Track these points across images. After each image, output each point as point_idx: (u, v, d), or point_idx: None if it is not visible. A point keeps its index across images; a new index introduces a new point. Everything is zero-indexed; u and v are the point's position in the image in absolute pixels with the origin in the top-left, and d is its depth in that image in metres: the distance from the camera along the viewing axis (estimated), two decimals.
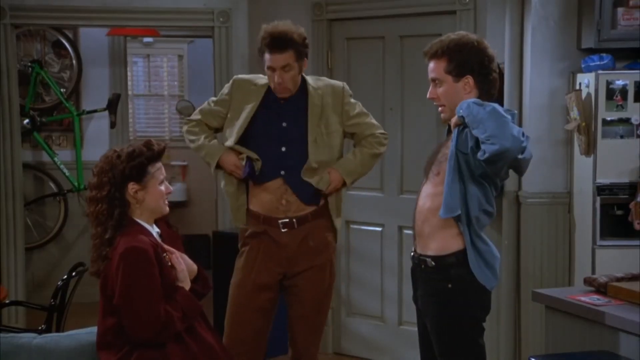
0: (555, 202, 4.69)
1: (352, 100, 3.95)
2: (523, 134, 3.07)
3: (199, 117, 3.99)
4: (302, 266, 3.88)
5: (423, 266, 3.27)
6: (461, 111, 3.12)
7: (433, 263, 3.22)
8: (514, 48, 4.78)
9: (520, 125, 4.68)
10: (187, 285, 3.12)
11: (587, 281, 3.61)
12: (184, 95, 9.21)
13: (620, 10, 4.40)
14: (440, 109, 3.30)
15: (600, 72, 4.36)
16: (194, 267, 3.21)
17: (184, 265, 3.14)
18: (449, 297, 3.20)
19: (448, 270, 3.19)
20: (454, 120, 3.19)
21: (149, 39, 8.85)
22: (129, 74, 8.12)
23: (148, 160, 3.09)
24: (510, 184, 4.75)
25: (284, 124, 3.85)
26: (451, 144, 3.18)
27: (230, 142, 3.89)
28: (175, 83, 9.35)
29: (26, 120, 6.79)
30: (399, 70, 5.40)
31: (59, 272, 6.42)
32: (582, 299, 3.43)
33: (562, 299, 3.49)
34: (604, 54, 4.40)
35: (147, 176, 3.09)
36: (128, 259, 2.96)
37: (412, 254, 3.37)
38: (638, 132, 4.36)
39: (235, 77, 4.03)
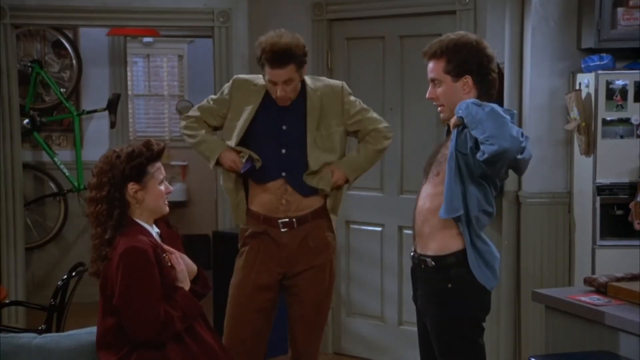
0: (555, 202, 4.69)
1: (352, 98, 3.95)
2: (522, 134, 3.07)
3: (197, 114, 3.99)
4: (301, 266, 3.87)
5: (423, 266, 3.27)
6: (460, 112, 3.12)
7: (433, 263, 3.22)
8: (514, 48, 4.78)
9: (520, 125, 4.68)
10: (186, 285, 3.12)
11: (587, 281, 3.61)
12: (184, 95, 9.21)
13: (620, 10, 4.40)
14: (439, 109, 3.30)
15: (600, 72, 4.36)
16: (194, 267, 3.21)
17: (183, 266, 3.14)
18: (449, 297, 3.20)
19: (448, 270, 3.19)
20: (453, 120, 3.19)
21: (149, 39, 8.86)
22: (129, 74, 8.12)
23: (147, 160, 3.09)
24: (510, 184, 4.75)
25: (284, 127, 3.85)
26: (450, 145, 3.18)
27: (231, 144, 3.89)
28: (175, 83, 9.36)
29: (26, 120, 6.79)
30: (399, 70, 5.41)
31: (59, 272, 6.41)
32: (582, 299, 3.43)
33: (562, 299, 3.49)
34: (604, 54, 4.40)
35: (146, 176, 3.09)
36: (128, 259, 2.96)
37: (412, 254, 3.37)
38: (638, 132, 4.36)
39: (235, 77, 4.03)
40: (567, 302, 3.45)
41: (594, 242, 4.41)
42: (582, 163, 4.52)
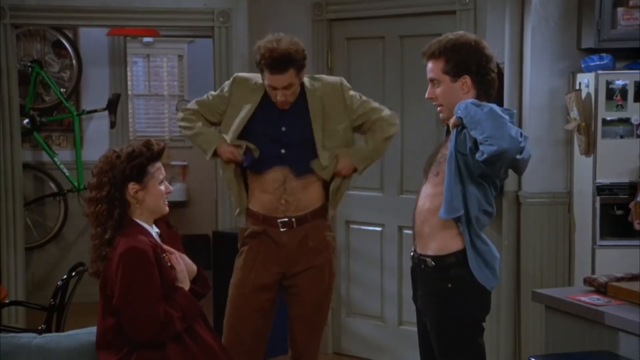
0: (555, 202, 4.69)
1: (352, 92, 3.93)
2: (521, 134, 3.07)
3: (196, 107, 3.99)
4: (301, 266, 3.87)
5: (423, 266, 3.27)
6: (459, 112, 3.12)
7: (433, 263, 3.22)
8: (514, 48, 4.78)
9: (520, 125, 4.68)
10: (186, 285, 3.12)
11: (587, 281, 3.61)
12: (184, 95, 9.21)
13: (620, 10, 4.40)
14: (438, 109, 3.30)
15: (600, 72, 4.36)
16: (194, 267, 3.21)
17: (183, 266, 3.14)
18: (448, 297, 3.20)
19: (448, 270, 3.19)
20: (452, 121, 3.20)
21: (149, 39, 8.86)
22: (129, 74, 8.12)
23: (148, 160, 3.09)
24: (510, 184, 4.75)
25: (283, 129, 3.85)
26: (450, 145, 3.18)
27: (228, 139, 3.89)
28: (175, 83, 9.36)
29: (26, 120, 6.79)
30: (399, 70, 5.41)
31: (59, 272, 6.41)
32: (582, 299, 3.43)
33: (562, 299, 3.49)
34: (603, 54, 4.40)
35: (147, 176, 3.09)
36: (127, 260, 2.96)
37: (412, 253, 3.37)
38: (638, 132, 4.36)
39: (236, 75, 4.03)
40: (567, 302, 3.45)
41: (594, 242, 4.41)
42: (582, 163, 4.52)
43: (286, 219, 3.85)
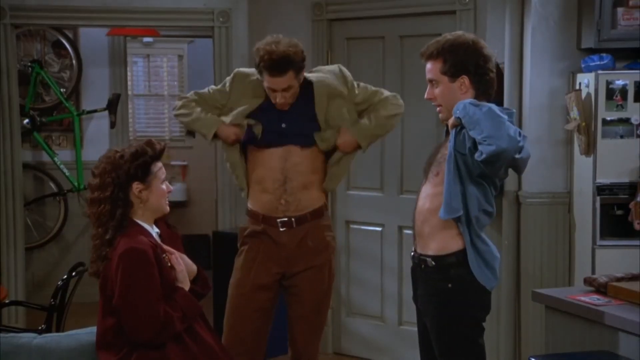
0: (555, 202, 4.69)
1: (350, 79, 3.93)
2: (520, 134, 3.07)
3: (195, 97, 3.99)
4: (300, 266, 3.87)
5: (423, 266, 3.27)
6: (458, 112, 3.12)
7: (433, 263, 3.22)
8: (514, 48, 4.78)
9: (520, 125, 4.68)
10: (186, 285, 3.12)
11: (587, 281, 3.61)
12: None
13: (620, 10, 4.40)
14: (438, 109, 3.31)
15: (600, 72, 4.36)
16: (194, 267, 3.21)
17: (183, 266, 3.14)
18: (449, 297, 3.21)
19: (448, 270, 3.19)
20: (451, 121, 3.20)
21: (149, 39, 8.86)
22: (129, 74, 8.12)
23: (152, 159, 3.10)
24: (510, 184, 4.75)
25: (283, 125, 3.85)
26: (449, 145, 3.18)
27: (227, 120, 3.88)
28: (175, 83, 9.35)
29: (26, 120, 6.79)
30: (399, 70, 5.41)
31: (59, 272, 6.41)
32: (582, 299, 3.43)
33: (562, 299, 3.49)
34: (604, 54, 4.40)
35: (150, 175, 3.09)
36: (127, 260, 2.96)
37: (412, 253, 3.37)
38: (638, 132, 4.36)
39: (237, 70, 4.03)
40: (567, 302, 3.45)
41: (594, 242, 4.41)
42: (582, 163, 4.52)
43: (286, 219, 3.85)
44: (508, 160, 3.05)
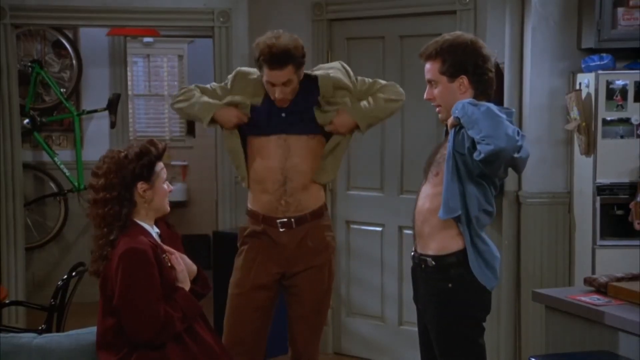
0: (556, 202, 4.69)
1: (352, 74, 3.93)
2: (518, 133, 3.07)
3: (196, 88, 3.99)
4: (300, 266, 3.87)
5: (423, 266, 3.27)
6: (456, 112, 3.13)
7: (433, 263, 3.22)
8: (514, 48, 4.78)
9: (520, 125, 4.68)
10: (186, 285, 3.12)
11: (587, 281, 3.61)
12: None
13: (620, 10, 4.40)
14: (437, 109, 3.31)
15: (600, 72, 4.36)
16: (194, 267, 3.21)
17: (183, 266, 3.14)
18: (449, 297, 3.21)
19: (448, 270, 3.20)
20: (450, 121, 3.20)
21: (149, 39, 8.86)
22: (129, 74, 8.12)
23: (156, 158, 3.10)
24: (510, 184, 4.75)
25: (283, 114, 3.83)
26: (448, 145, 3.18)
27: (224, 101, 3.87)
28: (175, 83, 9.35)
29: (26, 120, 6.79)
30: (399, 70, 5.40)
31: (59, 272, 6.42)
32: (582, 299, 3.43)
33: (562, 299, 3.49)
34: (604, 54, 4.40)
35: (154, 175, 3.10)
36: (128, 260, 2.96)
37: (412, 253, 3.37)
38: (638, 132, 4.36)
39: (239, 68, 4.03)
40: (567, 302, 3.45)
41: (594, 242, 4.41)
42: (582, 163, 4.52)
43: (285, 220, 3.85)
44: (507, 160, 3.05)
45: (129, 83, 8.33)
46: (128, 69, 7.87)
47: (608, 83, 4.34)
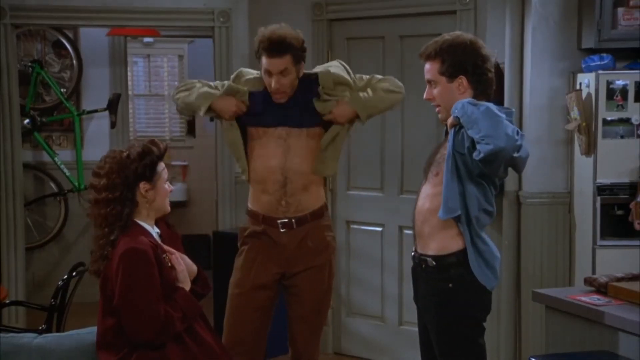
0: (556, 202, 4.69)
1: (351, 71, 3.94)
2: (518, 132, 3.07)
3: (198, 83, 3.99)
4: (300, 266, 3.87)
5: (424, 266, 3.27)
6: (456, 112, 3.13)
7: (434, 263, 3.22)
8: (514, 48, 4.78)
9: (520, 125, 4.68)
10: (187, 285, 3.12)
11: (588, 281, 3.61)
12: None
13: (620, 10, 4.40)
14: (437, 109, 3.31)
15: (600, 72, 4.36)
16: (194, 267, 3.21)
17: (183, 266, 3.14)
18: (449, 297, 3.21)
19: (448, 270, 3.20)
20: (449, 120, 3.20)
21: (149, 39, 8.86)
22: (129, 74, 8.12)
23: (158, 158, 3.10)
24: (510, 184, 4.75)
25: (283, 104, 3.83)
26: (448, 145, 3.18)
27: (222, 90, 3.87)
28: (176, 83, 9.34)
29: (26, 120, 6.80)
30: (399, 70, 5.40)
31: (59, 272, 6.42)
32: (582, 299, 3.43)
33: (562, 299, 3.49)
34: (604, 54, 4.40)
35: (156, 175, 3.10)
36: (128, 260, 2.96)
37: (412, 253, 3.37)
38: (638, 132, 4.36)
39: (240, 69, 4.04)
40: (567, 302, 3.45)
41: (594, 242, 4.41)
42: (582, 163, 4.52)
43: (286, 220, 3.84)
44: (506, 159, 3.05)
45: (129, 83, 8.33)
46: (128, 69, 7.87)
47: (608, 83, 4.34)
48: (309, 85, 3.85)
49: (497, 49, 4.65)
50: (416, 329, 3.46)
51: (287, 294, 3.95)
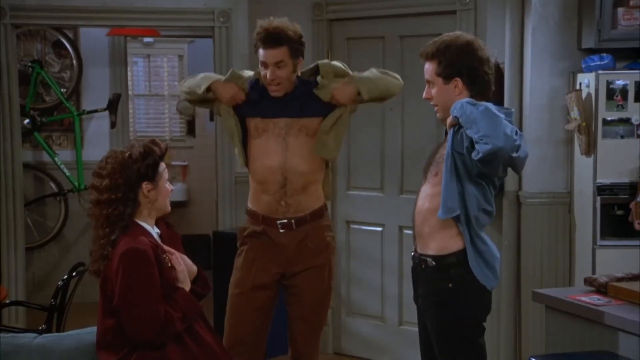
0: (556, 202, 4.69)
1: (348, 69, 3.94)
2: (516, 132, 3.08)
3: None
4: (300, 266, 3.87)
5: (424, 266, 3.27)
6: (455, 111, 3.14)
7: (433, 263, 3.23)
8: (514, 48, 4.78)
9: (520, 125, 4.68)
10: (187, 286, 3.12)
11: (587, 281, 3.61)
12: None
13: (620, 10, 4.40)
14: (435, 109, 3.32)
15: (600, 72, 4.36)
16: (194, 267, 3.21)
17: (183, 266, 3.14)
18: (449, 297, 3.21)
19: (448, 270, 3.20)
20: (449, 120, 3.21)
21: (149, 39, 8.86)
22: (129, 74, 8.12)
23: (159, 158, 3.10)
24: (510, 183, 4.75)
25: (282, 97, 3.83)
26: (447, 145, 3.19)
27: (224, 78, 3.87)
28: (176, 83, 9.34)
29: (26, 120, 6.80)
30: (399, 70, 5.36)
31: (59, 272, 6.41)
32: (582, 299, 3.43)
33: (562, 299, 3.49)
34: (604, 54, 4.40)
35: (158, 175, 3.10)
36: (128, 260, 2.96)
37: (412, 253, 3.37)
38: (638, 132, 4.36)
39: (232, 69, 4.04)
40: (567, 302, 3.45)
41: (594, 242, 4.41)
42: (582, 163, 4.52)
43: (285, 220, 3.84)
44: (505, 159, 3.05)
45: (129, 83, 8.33)
46: (128, 69, 7.87)
47: (608, 83, 4.34)
48: (308, 83, 3.85)
49: (497, 49, 4.66)
50: (416, 329, 3.46)
51: (287, 294, 3.95)
